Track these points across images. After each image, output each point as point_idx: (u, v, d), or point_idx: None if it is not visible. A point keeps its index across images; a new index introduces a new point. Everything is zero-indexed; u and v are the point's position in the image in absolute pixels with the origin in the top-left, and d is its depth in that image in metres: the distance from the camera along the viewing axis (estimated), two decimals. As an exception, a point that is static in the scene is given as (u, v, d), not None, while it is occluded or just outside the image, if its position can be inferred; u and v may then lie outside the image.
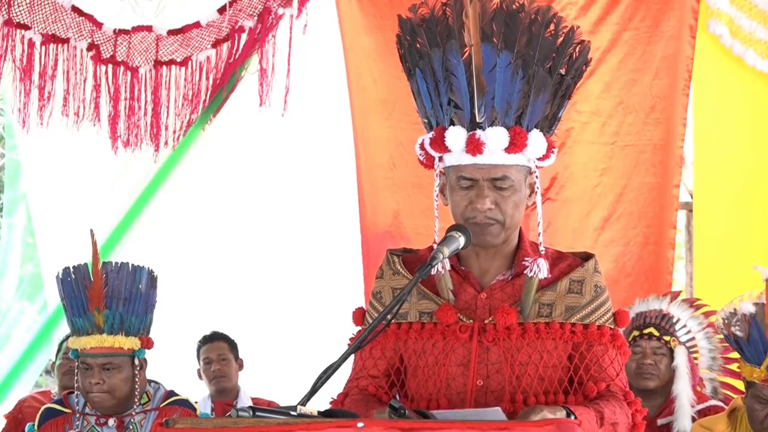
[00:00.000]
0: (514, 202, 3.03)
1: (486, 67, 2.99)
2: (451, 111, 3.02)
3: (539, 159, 3.06)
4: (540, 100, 3.02)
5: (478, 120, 3.00)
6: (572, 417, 2.86)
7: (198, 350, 6.69)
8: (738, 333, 4.35)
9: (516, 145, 2.99)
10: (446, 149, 3.03)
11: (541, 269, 3.04)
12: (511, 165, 3.02)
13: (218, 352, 6.62)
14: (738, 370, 4.62)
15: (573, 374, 3.06)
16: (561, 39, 3.03)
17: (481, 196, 3.00)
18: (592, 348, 3.06)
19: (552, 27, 3.02)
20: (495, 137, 2.99)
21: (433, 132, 3.06)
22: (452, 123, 3.03)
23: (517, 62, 2.99)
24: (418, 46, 3.07)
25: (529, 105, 3.01)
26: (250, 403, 5.56)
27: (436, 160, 3.09)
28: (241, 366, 6.67)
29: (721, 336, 5.28)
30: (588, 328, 3.06)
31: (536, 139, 3.03)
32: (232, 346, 6.64)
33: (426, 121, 3.09)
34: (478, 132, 2.99)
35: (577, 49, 3.07)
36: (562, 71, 3.05)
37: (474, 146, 2.99)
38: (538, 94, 3.01)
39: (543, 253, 3.07)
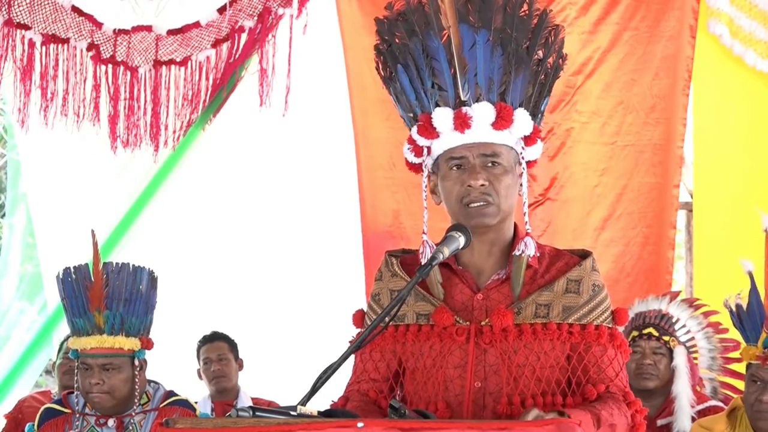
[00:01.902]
0: (507, 183, 3.03)
1: (466, 45, 3.02)
2: (436, 94, 3.04)
3: (526, 143, 3.07)
4: (521, 79, 3.04)
5: (462, 98, 3.02)
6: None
7: (198, 350, 6.69)
8: (739, 302, 4.39)
9: (503, 118, 3.01)
10: (435, 133, 3.05)
11: (528, 247, 3.04)
12: (501, 144, 3.03)
13: (218, 352, 6.62)
14: (738, 367, 4.63)
15: (571, 376, 3.03)
16: (535, 20, 3.07)
17: (473, 172, 3.00)
18: (590, 349, 3.04)
19: (525, 7, 3.06)
20: (481, 111, 3.01)
21: (420, 119, 3.07)
22: (437, 106, 3.05)
23: (495, 39, 3.02)
24: (397, 41, 3.09)
25: (511, 82, 3.03)
26: (250, 403, 5.55)
27: (425, 152, 3.09)
28: (241, 366, 6.67)
29: (721, 336, 5.30)
30: (586, 328, 3.03)
31: (522, 117, 3.04)
32: (232, 346, 6.64)
33: (411, 115, 3.10)
34: (464, 108, 3.02)
35: (552, 32, 3.09)
36: (540, 54, 3.08)
37: (461, 121, 3.00)
38: (519, 72, 3.03)
39: (529, 231, 3.07)
